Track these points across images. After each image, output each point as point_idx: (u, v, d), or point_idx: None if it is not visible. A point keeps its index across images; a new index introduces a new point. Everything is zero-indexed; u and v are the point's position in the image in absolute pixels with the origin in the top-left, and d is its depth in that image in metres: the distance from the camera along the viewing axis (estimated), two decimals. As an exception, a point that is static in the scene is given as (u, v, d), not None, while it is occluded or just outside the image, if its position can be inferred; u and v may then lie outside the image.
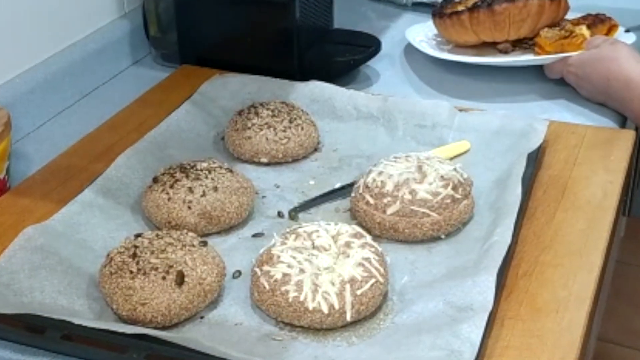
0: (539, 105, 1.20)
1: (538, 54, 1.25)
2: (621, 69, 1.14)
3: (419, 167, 0.92)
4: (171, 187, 0.92)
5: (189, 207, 0.90)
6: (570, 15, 1.29)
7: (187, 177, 0.92)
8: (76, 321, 0.75)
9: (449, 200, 0.90)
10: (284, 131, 1.04)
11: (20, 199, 0.98)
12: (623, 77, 1.13)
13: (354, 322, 0.79)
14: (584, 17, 1.28)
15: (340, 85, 1.17)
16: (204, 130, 1.11)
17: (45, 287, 0.81)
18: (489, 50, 1.29)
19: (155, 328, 0.78)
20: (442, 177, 0.91)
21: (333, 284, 0.79)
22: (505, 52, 1.28)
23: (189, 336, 0.76)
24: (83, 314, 0.80)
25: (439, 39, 1.34)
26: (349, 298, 0.78)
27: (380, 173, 0.92)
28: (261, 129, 1.04)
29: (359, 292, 0.78)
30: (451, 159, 1.02)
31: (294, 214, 0.96)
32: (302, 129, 1.05)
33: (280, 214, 0.96)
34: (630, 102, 1.13)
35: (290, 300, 0.78)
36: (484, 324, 0.75)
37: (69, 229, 0.89)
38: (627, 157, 1.04)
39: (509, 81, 1.25)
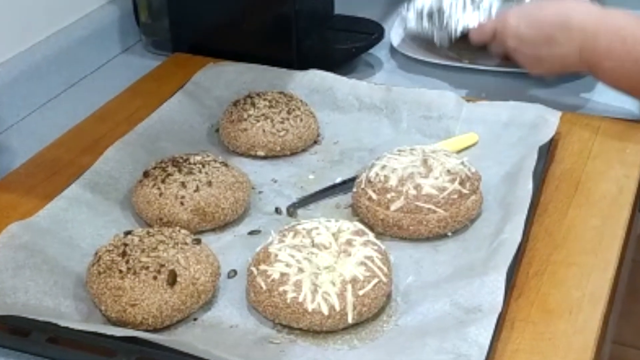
0: (550, 95, 1.19)
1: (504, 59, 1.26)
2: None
3: (424, 161, 0.92)
4: (163, 181, 0.92)
5: (182, 203, 0.90)
6: None
7: (179, 171, 0.92)
8: (62, 323, 0.75)
9: (455, 196, 0.90)
10: (282, 123, 1.04)
11: (3, 194, 0.98)
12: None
13: (356, 325, 0.79)
14: None
15: (341, 74, 1.17)
16: (197, 122, 1.11)
17: (30, 287, 0.81)
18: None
19: (146, 330, 0.78)
20: (448, 171, 0.91)
21: (334, 284, 0.78)
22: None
23: (182, 339, 0.76)
24: (70, 315, 0.80)
25: None
26: (350, 299, 0.78)
27: (384, 167, 0.92)
28: (258, 121, 1.04)
29: (361, 292, 0.78)
30: (458, 152, 1.02)
31: (292, 210, 0.96)
32: (301, 120, 1.05)
33: (277, 210, 0.96)
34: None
35: (288, 301, 0.78)
36: (492, 326, 0.75)
37: (55, 226, 0.89)
38: (644, 150, 1.04)
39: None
